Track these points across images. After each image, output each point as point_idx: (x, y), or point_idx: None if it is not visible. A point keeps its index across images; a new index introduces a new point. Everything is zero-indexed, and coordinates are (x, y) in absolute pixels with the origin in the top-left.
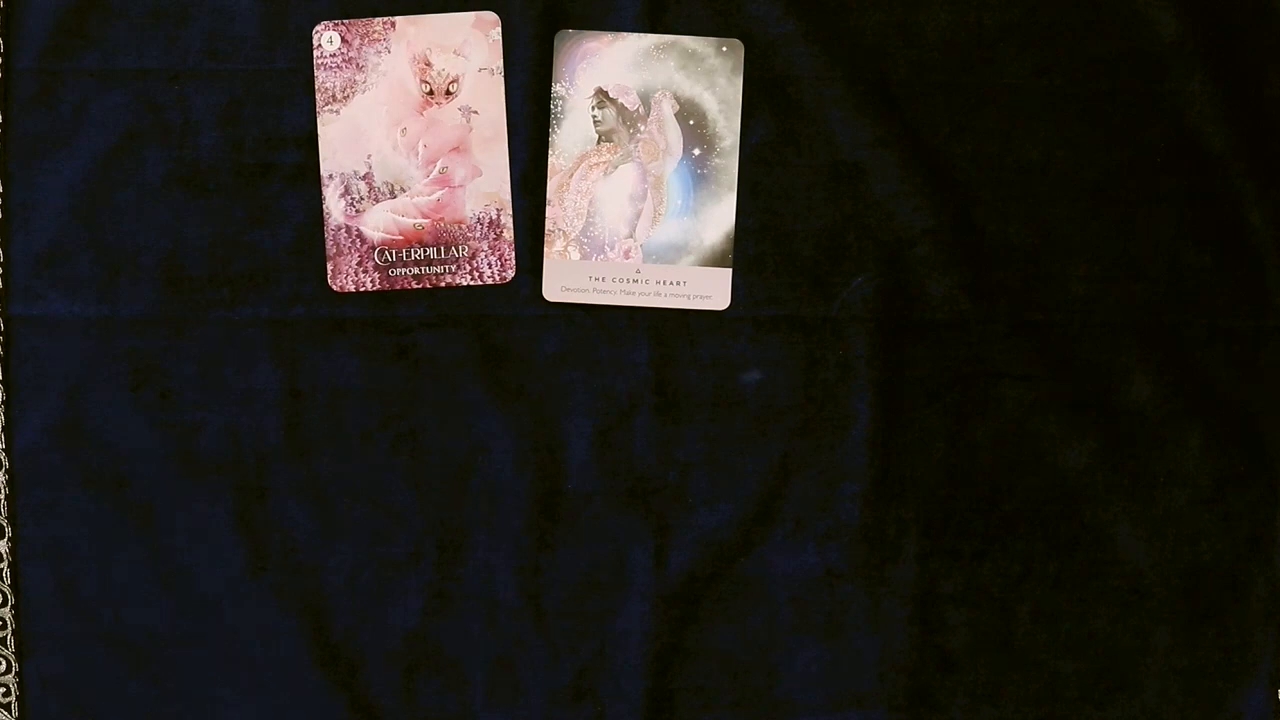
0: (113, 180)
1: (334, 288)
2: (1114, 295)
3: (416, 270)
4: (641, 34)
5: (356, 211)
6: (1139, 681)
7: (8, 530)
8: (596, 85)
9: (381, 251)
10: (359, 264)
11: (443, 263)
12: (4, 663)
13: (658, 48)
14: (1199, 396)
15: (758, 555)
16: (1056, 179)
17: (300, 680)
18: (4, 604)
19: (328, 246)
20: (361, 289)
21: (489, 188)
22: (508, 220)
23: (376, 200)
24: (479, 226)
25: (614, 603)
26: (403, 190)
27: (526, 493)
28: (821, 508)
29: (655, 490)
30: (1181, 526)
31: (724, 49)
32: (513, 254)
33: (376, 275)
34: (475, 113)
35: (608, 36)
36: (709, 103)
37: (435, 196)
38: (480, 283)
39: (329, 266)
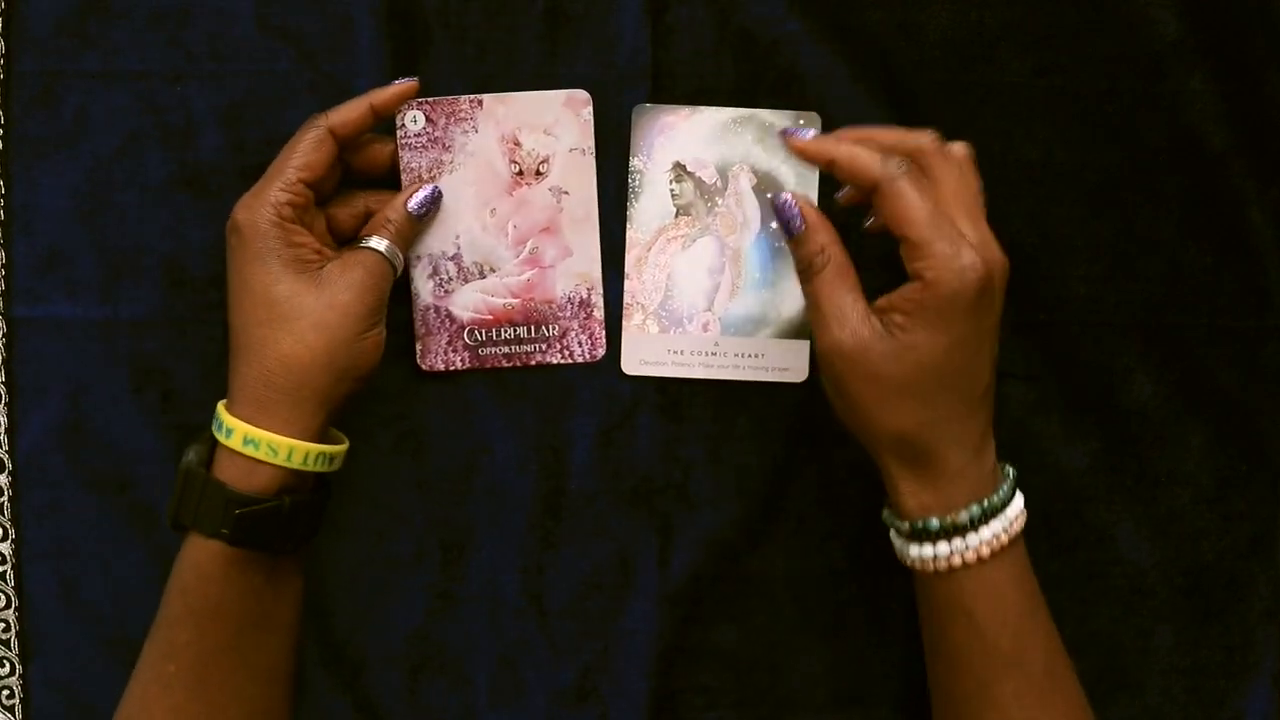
0: (114, 182)
1: (423, 367)
2: (1115, 295)
3: (507, 349)
4: (719, 108)
5: (445, 292)
6: (1141, 681)
7: (11, 532)
8: (674, 159)
9: (471, 331)
10: (449, 343)
11: (533, 341)
12: (8, 665)
13: (735, 121)
14: (1200, 396)
15: (761, 555)
16: (1057, 178)
17: (303, 681)
18: (7, 606)
19: (416, 326)
20: (451, 368)
21: (579, 267)
22: (598, 299)
23: (465, 280)
24: (569, 306)
25: (617, 602)
26: (492, 270)
27: (530, 492)
28: (824, 507)
29: (659, 490)
30: (1183, 526)
31: (801, 121)
32: (603, 332)
33: (466, 354)
34: (566, 193)
35: (685, 110)
36: (786, 175)
37: (525, 277)
38: (570, 361)
39: (418, 346)
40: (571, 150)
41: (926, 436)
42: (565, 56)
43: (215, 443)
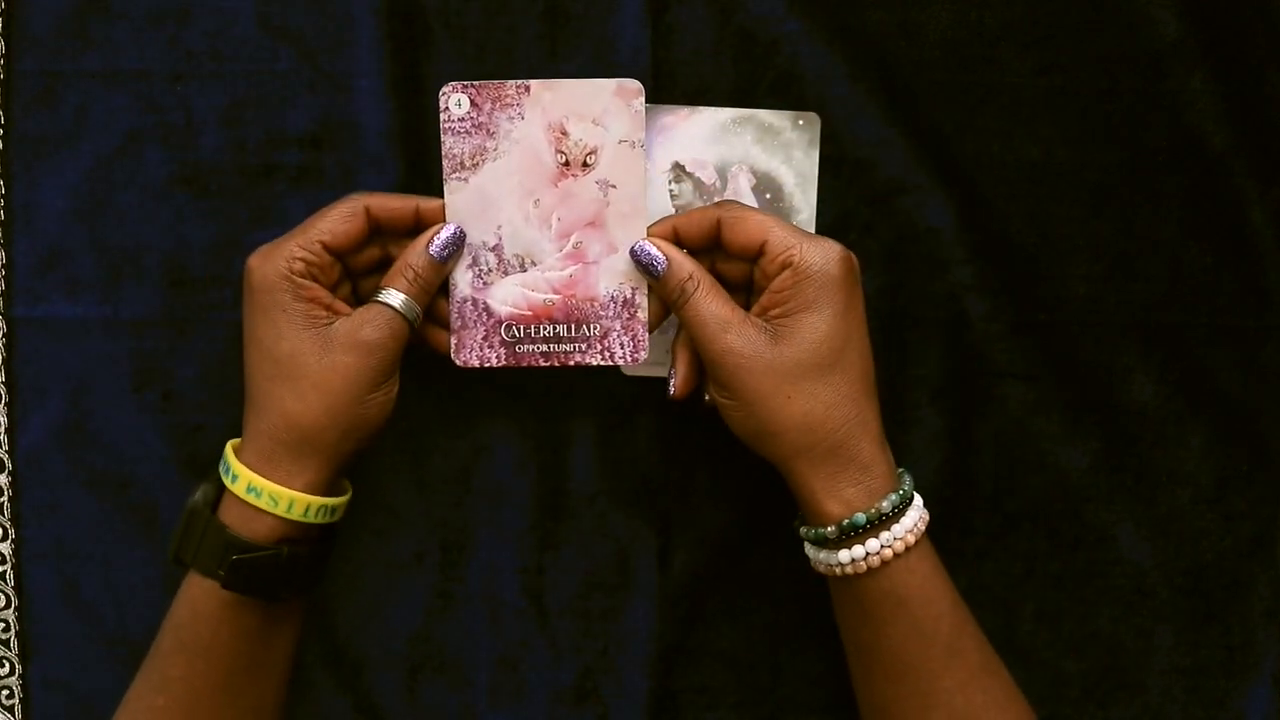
0: (115, 181)
1: (457, 362)
2: (1115, 295)
3: (545, 348)
4: (718, 108)
5: (484, 284)
6: (1142, 681)
7: (11, 532)
8: (673, 159)
9: (509, 327)
10: (484, 339)
11: (572, 340)
12: (8, 665)
13: (735, 121)
14: (1200, 396)
15: (761, 555)
16: (1058, 178)
17: (303, 681)
18: (7, 606)
19: (452, 319)
20: (486, 364)
21: (624, 265)
22: (642, 300)
23: (505, 273)
24: (612, 305)
25: (618, 602)
26: (533, 264)
27: (529, 492)
28: None
29: (659, 489)
30: (1184, 526)
31: (800, 122)
32: (646, 334)
33: (503, 351)
34: (613, 187)
35: (684, 110)
36: (785, 176)
37: (568, 272)
38: (610, 363)
39: (453, 340)
40: (621, 142)
41: (834, 421)
42: (565, 56)
43: (223, 485)
